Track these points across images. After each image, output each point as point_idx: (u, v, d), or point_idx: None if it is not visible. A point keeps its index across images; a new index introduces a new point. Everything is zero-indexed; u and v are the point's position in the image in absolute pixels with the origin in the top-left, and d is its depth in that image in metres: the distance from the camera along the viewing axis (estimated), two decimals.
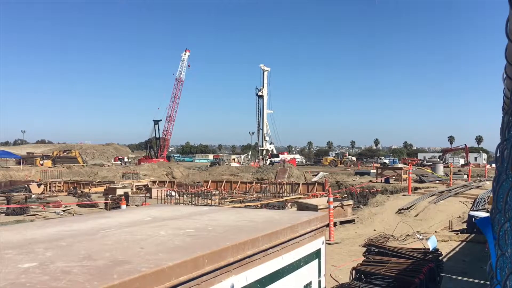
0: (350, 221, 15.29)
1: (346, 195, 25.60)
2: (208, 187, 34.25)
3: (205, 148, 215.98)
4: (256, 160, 79.61)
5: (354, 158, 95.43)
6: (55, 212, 21.55)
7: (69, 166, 55.86)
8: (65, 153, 75.90)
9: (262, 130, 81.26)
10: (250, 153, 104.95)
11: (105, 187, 32.19)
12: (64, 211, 22.11)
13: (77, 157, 71.24)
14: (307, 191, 31.24)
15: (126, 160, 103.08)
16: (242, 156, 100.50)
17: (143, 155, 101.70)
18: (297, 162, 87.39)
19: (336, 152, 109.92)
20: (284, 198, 25.77)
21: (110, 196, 25.55)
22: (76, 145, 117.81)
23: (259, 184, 33.01)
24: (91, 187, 34.19)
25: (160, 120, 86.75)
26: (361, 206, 19.84)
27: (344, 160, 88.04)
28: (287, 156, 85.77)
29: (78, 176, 47.05)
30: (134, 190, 30.36)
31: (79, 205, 23.63)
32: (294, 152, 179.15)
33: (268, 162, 74.92)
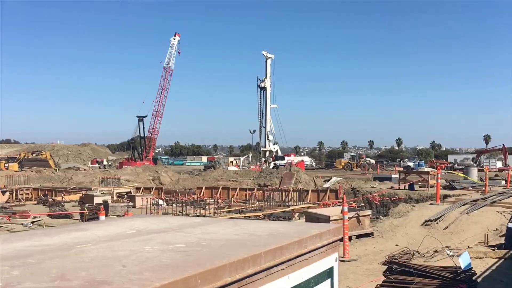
0: (368, 235, 15.27)
1: (363, 204, 25.60)
2: (201, 194, 34.28)
3: (198, 149, 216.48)
4: (258, 163, 79.67)
5: (372, 161, 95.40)
6: (22, 224, 21.59)
7: (38, 170, 55.98)
8: (34, 155, 76.00)
9: (265, 128, 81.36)
10: (250, 155, 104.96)
11: (80, 195, 32.23)
12: (33, 222, 22.14)
13: (48, 160, 71.34)
14: (317, 200, 31.19)
15: (105, 163, 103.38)
16: (242, 159, 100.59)
17: (125, 157, 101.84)
18: (305, 165, 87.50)
19: (352, 154, 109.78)
20: (291, 208, 25.78)
21: (86, 205, 25.58)
22: (47, 146, 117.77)
23: (261, 191, 33.03)
24: (64, 195, 34.23)
25: (145, 116, 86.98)
26: (381, 217, 19.83)
27: (361, 163, 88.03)
28: (294, 159, 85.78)
29: (49, 181, 47.12)
30: (115, 198, 30.40)
31: (51, 216, 23.65)
32: (302, 154, 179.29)
33: (271, 165, 75.00)
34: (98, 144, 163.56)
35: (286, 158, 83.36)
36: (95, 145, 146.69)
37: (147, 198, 25.15)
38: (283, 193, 31.38)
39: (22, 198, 35.37)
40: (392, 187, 32.35)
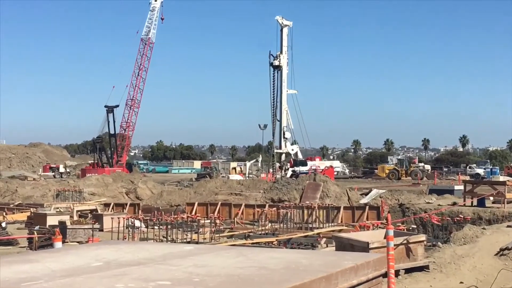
0: (422, 268, 15.20)
1: (415, 227, 25.50)
2: (193, 213, 34.31)
3: (188, 151, 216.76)
4: (270, 170, 79.67)
5: (428, 167, 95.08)
6: None
7: None
8: None
9: (280, 122, 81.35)
10: (260, 159, 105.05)
11: (28, 214, 32.35)
12: None
13: None
14: (352, 220, 31.06)
15: (62, 170, 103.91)
16: (248, 164, 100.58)
17: (89, 162, 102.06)
18: (336, 173, 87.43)
19: (399, 157, 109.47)
20: (316, 231, 25.73)
21: (36, 227, 25.66)
22: None
23: (275, 208, 33.00)
24: (6, 213, 34.40)
25: (117, 107, 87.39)
26: (439, 244, 19.74)
27: (412, 169, 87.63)
28: (320, 164, 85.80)
29: None
30: (76, 218, 30.46)
31: None
32: (331, 158, 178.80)
33: (289, 173, 74.93)
34: (53, 145, 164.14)
35: (309, 163, 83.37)
36: (49, 146, 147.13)
37: (119, 218, 25.19)
38: (305, 211, 31.30)
39: None
40: (454, 203, 32.19)
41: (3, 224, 28.34)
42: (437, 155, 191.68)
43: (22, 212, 34.64)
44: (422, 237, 16.15)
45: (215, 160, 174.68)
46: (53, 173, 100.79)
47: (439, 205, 32.48)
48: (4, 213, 34.33)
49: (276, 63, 79.83)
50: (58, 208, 35.31)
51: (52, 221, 27.13)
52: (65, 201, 40.62)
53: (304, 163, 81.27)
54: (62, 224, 24.56)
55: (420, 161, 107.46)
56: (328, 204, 32.54)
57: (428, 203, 34.21)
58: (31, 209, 34.73)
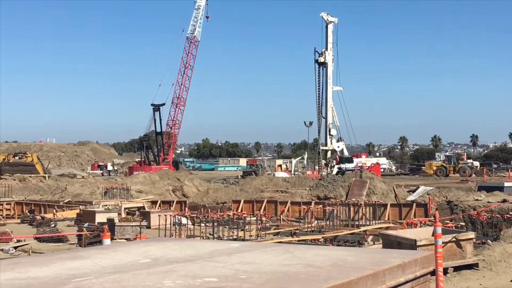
0: (471, 266, 15.01)
1: (463, 224, 25.13)
2: (239, 210, 34.42)
3: (234, 149, 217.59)
4: (316, 168, 79.46)
5: (476, 163, 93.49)
6: (2, 250, 22.19)
7: (22, 177, 57.46)
8: (16, 158, 78.07)
9: (326, 119, 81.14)
10: (306, 156, 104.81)
11: (78, 211, 32.87)
12: (15, 248, 22.75)
13: (35, 164, 73.08)
14: (399, 217, 30.81)
15: (110, 168, 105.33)
16: (294, 161, 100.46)
17: (136, 160, 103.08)
18: (382, 169, 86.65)
19: (447, 154, 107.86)
20: (362, 229, 25.57)
21: (86, 224, 26.08)
22: (33, 145, 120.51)
23: (321, 205, 32.93)
24: (56, 211, 34.99)
25: (163, 105, 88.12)
26: (489, 241, 19.46)
27: (461, 166, 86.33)
28: (366, 161, 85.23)
29: (36, 193, 48.30)
30: (123, 215, 30.84)
31: (39, 239, 24.24)
32: (377, 155, 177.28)
33: (335, 170, 74.62)
34: (101, 143, 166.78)
35: (355, 160, 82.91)
36: (97, 144, 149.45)
37: (166, 215, 25.41)
38: (352, 209, 31.15)
39: (1, 215, 36.39)
40: (504, 200, 31.62)
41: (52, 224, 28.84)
42: (486, 151, 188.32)
43: (71, 210, 35.19)
44: (471, 234, 15.94)
45: (260, 158, 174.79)
46: (101, 171, 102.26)
47: (488, 202, 31.91)
48: (54, 211, 34.93)
49: (322, 60, 79.60)
50: (106, 205, 35.76)
51: (100, 218, 27.50)
52: (113, 199, 41.11)
53: (350, 160, 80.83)
54: (110, 221, 24.89)
55: (468, 158, 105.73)
56: (375, 201, 32.33)
57: (477, 200, 33.63)
58: (80, 206, 35.24)
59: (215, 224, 24.91)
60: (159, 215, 26.15)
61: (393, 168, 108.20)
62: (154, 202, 39.43)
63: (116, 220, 25.87)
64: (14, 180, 54.55)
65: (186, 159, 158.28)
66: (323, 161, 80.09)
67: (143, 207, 35.76)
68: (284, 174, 71.85)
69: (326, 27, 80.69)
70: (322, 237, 23.35)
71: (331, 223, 27.91)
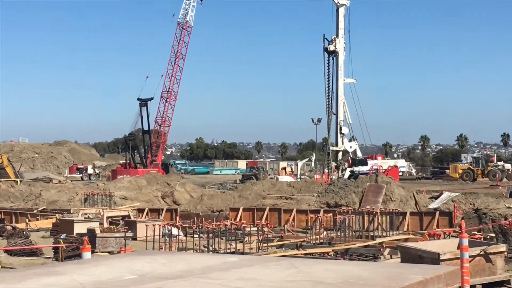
0: (502, 283, 14.99)
1: (493, 235, 25.12)
2: (237, 219, 34.43)
3: (231, 150, 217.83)
4: (326, 171, 79.44)
5: (508, 166, 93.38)
6: None
7: None
8: None
9: (336, 115, 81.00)
10: (314, 158, 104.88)
11: (54, 220, 32.85)
12: None
13: (5, 167, 73.08)
14: (420, 228, 30.77)
15: (90, 171, 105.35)
16: (300, 164, 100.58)
17: (121, 162, 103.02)
18: (401, 173, 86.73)
19: (475, 155, 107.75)
20: (378, 240, 25.55)
21: (63, 236, 26.07)
22: (3, 146, 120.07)
23: (330, 214, 32.92)
24: (30, 220, 34.95)
25: (151, 99, 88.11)
26: None
27: (490, 169, 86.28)
28: (382, 163, 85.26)
29: (6, 199, 48.26)
30: (106, 225, 30.82)
31: (10, 252, 24.21)
32: (395, 156, 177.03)
33: (347, 174, 74.64)
34: (80, 143, 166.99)
35: (370, 162, 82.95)
36: (75, 145, 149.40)
37: (154, 225, 25.41)
38: (366, 218, 31.15)
39: None
40: None
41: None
42: None
43: (46, 219, 35.17)
44: (502, 247, 15.91)
45: (262, 160, 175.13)
46: (81, 175, 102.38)
47: None
48: (27, 220, 34.86)
49: (331, 48, 79.36)
50: (86, 214, 35.76)
51: (79, 228, 27.49)
52: (94, 206, 41.13)
53: (364, 162, 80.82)
54: (91, 232, 24.88)
55: (499, 160, 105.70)
56: (392, 209, 32.30)
57: (509, 208, 33.64)
58: (57, 215, 35.23)
59: (210, 235, 24.91)
60: (146, 225, 26.13)
61: (413, 171, 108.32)
62: (140, 210, 39.43)
63: (98, 231, 25.87)
64: None
65: (177, 161, 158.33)
66: (334, 164, 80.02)
67: (128, 216, 35.77)
68: (289, 178, 71.84)
69: (337, 10, 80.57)
70: (332, 250, 23.36)
71: (342, 234, 27.89)
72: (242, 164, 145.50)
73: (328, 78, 79.78)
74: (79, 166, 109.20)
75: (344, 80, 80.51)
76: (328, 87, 79.88)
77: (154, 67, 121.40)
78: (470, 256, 14.06)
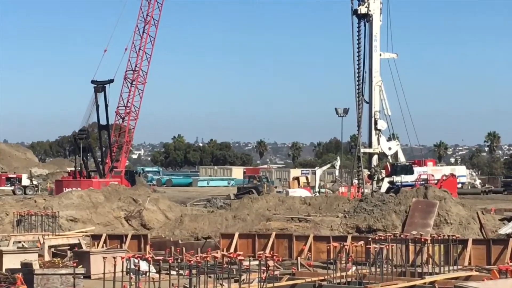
0: None
1: None
2: (232, 249, 34.46)
3: (223, 152, 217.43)
4: (355, 181, 79.34)
5: None
6: None
7: None
8: None
9: (370, 104, 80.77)
10: (338, 164, 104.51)
11: None
12: None
13: None
14: (486, 261, 30.74)
15: (26, 182, 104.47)
16: (319, 172, 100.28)
17: (68, 169, 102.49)
18: (460, 185, 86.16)
19: None
20: (429, 279, 25.62)
21: None
22: None
23: (361, 242, 32.91)
24: None
25: (111, 82, 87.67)
26: None
27: None
28: (434, 171, 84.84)
29: None
30: (48, 257, 30.76)
31: None
32: (452, 161, 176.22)
33: (384, 185, 74.34)
34: (11, 143, 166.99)
35: (417, 169, 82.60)
36: (5, 145, 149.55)
37: (115, 257, 25.44)
38: (411, 247, 31.19)
39: None
40: None
41: None
42: None
43: None
44: None
45: (266, 166, 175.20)
46: (12, 188, 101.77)
47: None
48: None
49: (363, 10, 79.21)
50: (20, 242, 35.73)
51: (10, 262, 27.44)
52: (31, 231, 41.04)
53: (408, 170, 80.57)
54: (26, 267, 24.85)
55: None
56: (448, 236, 32.34)
57: None
58: None
59: (194, 271, 24.95)
60: (104, 258, 26.18)
61: (477, 182, 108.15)
62: (96, 237, 39.41)
63: (36, 266, 25.85)
64: None
65: (147, 168, 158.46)
66: (366, 172, 80.00)
67: (79, 245, 35.71)
68: (304, 192, 71.77)
69: None
70: None
71: (378, 270, 27.94)
72: (238, 172, 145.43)
73: (359, 52, 79.70)
74: (10, 176, 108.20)
75: (380, 55, 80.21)
76: (358, 64, 79.78)
77: (114, 39, 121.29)
78: None
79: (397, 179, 75.92)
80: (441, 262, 29.71)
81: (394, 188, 65.92)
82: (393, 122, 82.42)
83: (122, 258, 25.86)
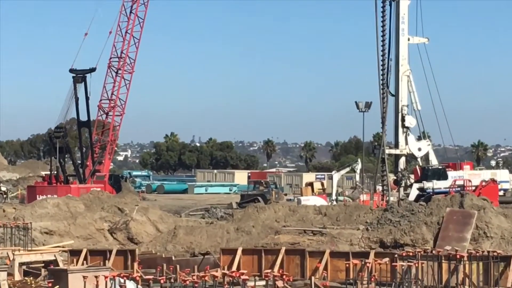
0: None
1: None
2: (234, 267, 34.53)
3: (224, 153, 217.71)
4: (378, 188, 79.41)
5: None
6: None
7: None
8: None
9: (396, 97, 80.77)
10: (359, 167, 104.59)
11: None
12: None
13: None
14: None
15: None
16: (336, 176, 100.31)
17: (43, 173, 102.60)
18: (502, 192, 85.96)
19: None
20: None
21: None
22: None
23: (386, 259, 33.00)
24: None
25: (92, 71, 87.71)
26: None
27: None
28: (471, 176, 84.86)
29: None
30: (18, 276, 30.84)
31: None
32: (493, 164, 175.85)
33: (413, 192, 74.30)
34: None
35: (451, 174, 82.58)
36: None
37: (97, 276, 25.56)
38: (445, 265, 31.25)
39: None
40: None
41: None
42: None
43: None
44: None
45: (274, 170, 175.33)
46: None
47: None
48: None
49: None
50: None
51: None
52: (0, 246, 41.18)
53: (441, 174, 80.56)
54: None
55: None
56: (488, 252, 32.40)
57: None
58: None
59: None
60: (84, 277, 26.30)
61: None
62: (75, 253, 39.51)
63: (5, 286, 25.97)
64: None
65: (135, 172, 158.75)
66: (392, 177, 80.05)
67: (55, 262, 35.78)
68: (319, 200, 71.84)
69: None
70: None
71: None
72: (241, 177, 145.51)
73: (383, 36, 79.75)
74: None
75: (409, 40, 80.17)
76: (383, 51, 79.76)
77: (96, 18, 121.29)
78: None
79: (428, 185, 75.82)
80: (480, 283, 29.74)
81: (424, 196, 66.00)
82: (424, 118, 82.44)
83: (106, 277, 25.96)
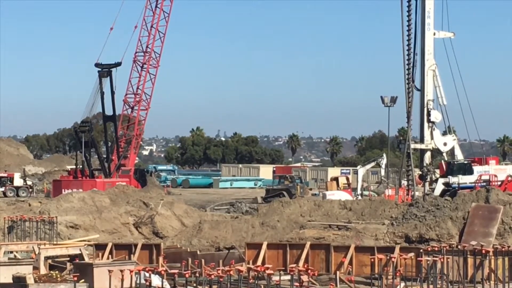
0: None
1: None
2: (259, 262, 34.45)
3: (249, 148, 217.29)
4: (403, 183, 79.12)
5: None
6: None
7: None
8: None
9: (422, 92, 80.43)
10: (384, 162, 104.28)
11: None
12: None
13: None
14: None
15: (19, 182, 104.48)
16: (361, 171, 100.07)
17: (68, 167, 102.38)
18: None
19: None
20: None
21: None
22: None
23: (411, 254, 32.88)
24: None
25: (118, 65, 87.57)
26: None
27: None
28: (497, 170, 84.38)
29: None
30: (44, 270, 30.83)
31: None
32: None
33: (438, 187, 73.89)
34: (2, 137, 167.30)
35: (477, 169, 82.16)
36: None
37: (122, 270, 25.52)
38: (470, 260, 31.11)
39: None
40: None
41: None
42: None
43: None
44: None
45: (299, 165, 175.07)
46: (3, 189, 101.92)
47: None
48: None
49: None
50: (12, 252, 35.82)
51: (0, 275, 27.55)
52: (25, 240, 41.14)
53: (467, 169, 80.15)
54: (19, 282, 24.94)
55: None
56: None
57: None
58: None
59: (215, 287, 24.98)
60: (109, 271, 26.26)
61: None
62: (101, 247, 39.51)
63: (31, 280, 25.94)
64: None
65: (160, 167, 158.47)
66: (417, 171, 79.68)
67: (81, 256, 35.79)
68: (344, 195, 71.52)
69: None
70: None
71: (431, 287, 27.90)
72: (266, 171, 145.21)
73: (409, 31, 79.41)
74: (2, 175, 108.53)
75: (434, 35, 79.82)
76: (408, 45, 79.45)
77: (122, 13, 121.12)
78: None
79: (453, 180, 75.43)
80: (505, 278, 29.57)
81: (450, 191, 65.69)
82: (449, 113, 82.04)
83: (131, 271, 25.94)
